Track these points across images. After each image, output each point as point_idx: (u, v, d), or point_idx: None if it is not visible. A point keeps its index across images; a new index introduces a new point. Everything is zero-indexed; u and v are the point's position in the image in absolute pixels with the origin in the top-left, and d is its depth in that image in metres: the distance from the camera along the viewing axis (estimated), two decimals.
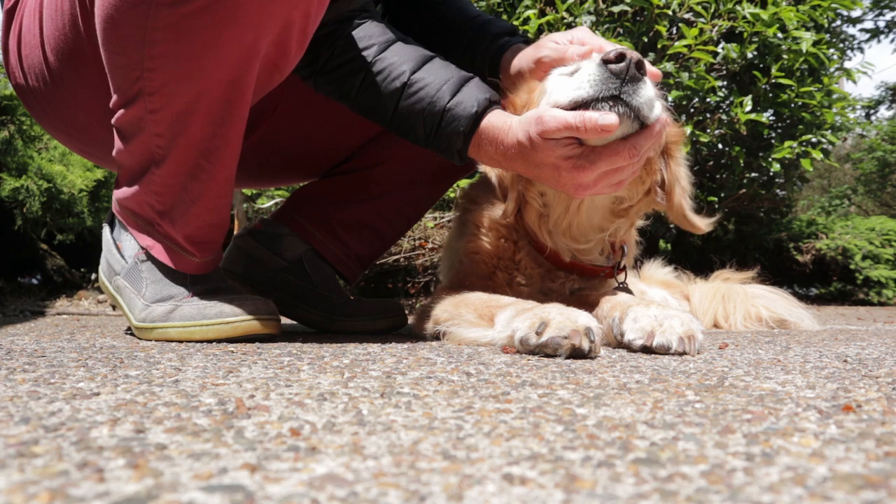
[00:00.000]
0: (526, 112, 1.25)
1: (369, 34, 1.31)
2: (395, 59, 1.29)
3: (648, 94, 1.16)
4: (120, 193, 1.31)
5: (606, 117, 1.10)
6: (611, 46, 1.21)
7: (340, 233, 1.68)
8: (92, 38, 1.21)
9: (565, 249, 1.45)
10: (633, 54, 1.14)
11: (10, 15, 1.43)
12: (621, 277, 1.51)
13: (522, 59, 1.45)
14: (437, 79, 1.27)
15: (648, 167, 1.39)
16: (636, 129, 1.17)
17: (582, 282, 1.48)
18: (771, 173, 3.74)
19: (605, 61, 1.15)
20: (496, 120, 1.26)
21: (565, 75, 1.27)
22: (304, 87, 1.41)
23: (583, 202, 1.39)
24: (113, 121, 1.22)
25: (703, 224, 1.46)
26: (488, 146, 1.27)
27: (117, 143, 1.26)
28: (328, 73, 1.33)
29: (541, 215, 1.42)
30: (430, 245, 3.10)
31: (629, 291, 1.47)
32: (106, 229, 1.39)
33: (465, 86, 1.28)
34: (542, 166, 1.20)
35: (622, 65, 1.13)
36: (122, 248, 1.34)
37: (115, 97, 1.21)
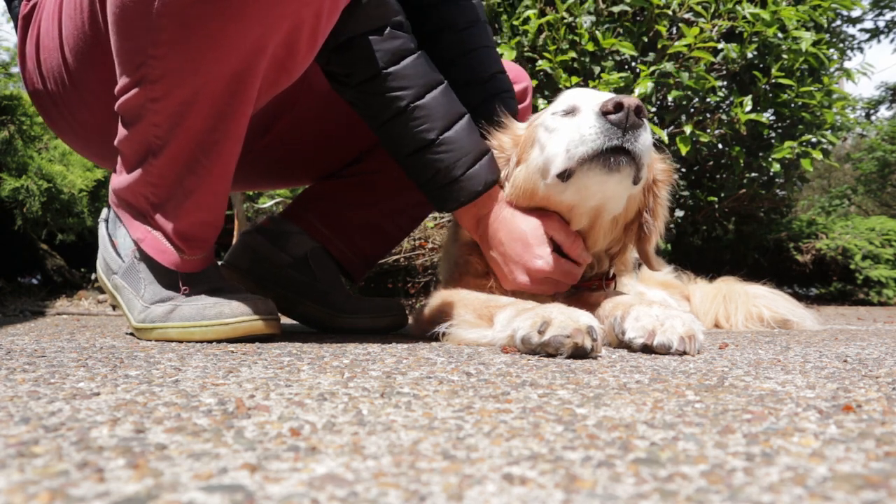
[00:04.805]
0: (517, 171, 1.41)
1: (416, 73, 1.34)
2: (430, 110, 1.34)
3: (648, 140, 1.22)
4: (117, 183, 1.30)
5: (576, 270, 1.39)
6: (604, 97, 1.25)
7: (349, 231, 1.69)
8: (108, 32, 1.20)
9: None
10: (631, 101, 1.17)
11: (26, 21, 1.43)
12: (611, 287, 1.51)
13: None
14: (463, 147, 1.37)
15: (626, 213, 1.41)
16: (636, 171, 1.24)
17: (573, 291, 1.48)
18: (771, 173, 3.74)
19: (604, 112, 1.17)
20: (489, 204, 1.42)
21: (558, 114, 1.31)
22: (321, 89, 1.40)
23: (599, 227, 1.40)
24: (116, 106, 1.21)
25: (660, 267, 1.57)
26: (471, 219, 1.44)
27: (120, 130, 1.25)
28: (364, 95, 1.35)
29: None
30: (430, 245, 3.10)
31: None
32: (102, 225, 1.39)
33: (479, 161, 1.39)
34: (509, 263, 1.41)
35: (621, 114, 1.17)
36: (117, 245, 1.34)
37: (119, 82, 1.20)
